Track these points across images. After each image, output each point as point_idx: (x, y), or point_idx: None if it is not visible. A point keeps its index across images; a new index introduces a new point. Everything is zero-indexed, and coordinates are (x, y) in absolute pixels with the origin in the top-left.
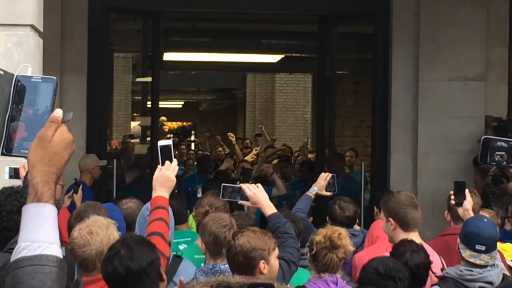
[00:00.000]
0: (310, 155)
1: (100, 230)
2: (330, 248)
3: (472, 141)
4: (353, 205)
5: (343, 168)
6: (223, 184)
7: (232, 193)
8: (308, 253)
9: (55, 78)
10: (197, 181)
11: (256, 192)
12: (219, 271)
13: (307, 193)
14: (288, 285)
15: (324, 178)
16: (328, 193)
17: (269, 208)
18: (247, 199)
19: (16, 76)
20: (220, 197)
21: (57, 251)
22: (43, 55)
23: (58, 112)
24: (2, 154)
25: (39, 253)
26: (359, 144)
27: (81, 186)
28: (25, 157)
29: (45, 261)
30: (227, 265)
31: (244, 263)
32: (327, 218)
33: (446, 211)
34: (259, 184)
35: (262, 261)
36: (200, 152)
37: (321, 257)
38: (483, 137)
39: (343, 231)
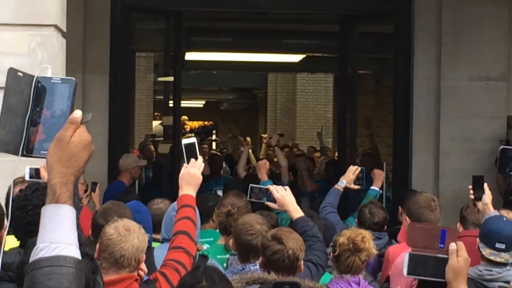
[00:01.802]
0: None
1: (136, 228)
2: (353, 250)
3: (494, 141)
4: (383, 211)
5: (374, 166)
6: (250, 184)
7: (259, 194)
8: (331, 254)
9: (74, 79)
10: (212, 183)
11: (284, 195)
12: (249, 272)
13: (336, 186)
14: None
15: (353, 171)
16: (356, 187)
17: (296, 212)
18: (274, 200)
19: (36, 77)
20: (248, 197)
21: (75, 252)
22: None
23: (77, 113)
24: (23, 155)
25: (57, 254)
26: (380, 144)
27: (98, 185)
28: (45, 158)
29: (62, 262)
30: (257, 266)
31: (292, 265)
32: (356, 220)
33: (458, 223)
34: (287, 187)
35: (302, 261)
36: (224, 151)
37: (344, 259)
38: (500, 147)
39: (367, 234)
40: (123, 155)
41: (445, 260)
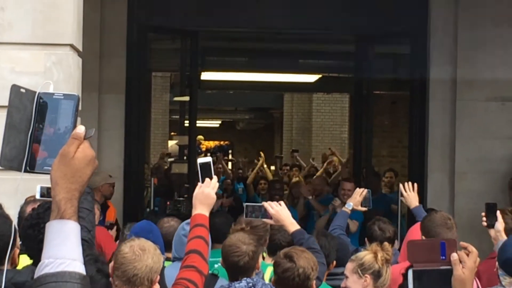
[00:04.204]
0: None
1: (152, 248)
2: (388, 260)
3: (509, 162)
4: (391, 226)
5: (379, 186)
6: (245, 203)
7: (254, 212)
8: (366, 275)
9: (77, 94)
10: None
11: (278, 210)
12: None
13: (343, 208)
14: None
15: (360, 193)
16: (364, 209)
17: (292, 225)
18: (270, 217)
19: (38, 93)
20: (244, 216)
21: (79, 268)
22: (81, 74)
23: (81, 129)
24: (26, 171)
25: (62, 270)
26: (396, 164)
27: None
28: (48, 174)
29: (67, 278)
30: (242, 283)
31: (302, 284)
32: (366, 239)
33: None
34: (281, 202)
35: (314, 281)
36: (240, 171)
37: (385, 271)
38: None
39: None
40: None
41: (449, 271)
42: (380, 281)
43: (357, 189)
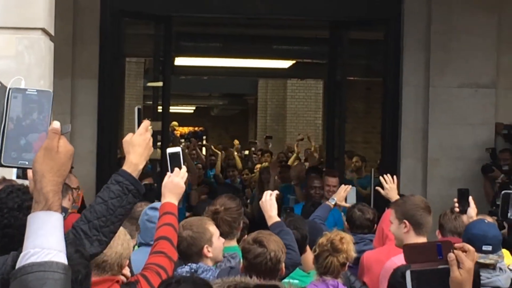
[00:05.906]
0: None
1: (121, 235)
2: (331, 251)
3: (482, 148)
4: (371, 209)
5: (342, 172)
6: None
7: None
8: (313, 255)
9: (50, 91)
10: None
11: (263, 201)
12: (231, 276)
13: (327, 202)
14: (291, 283)
15: (344, 189)
16: (347, 204)
17: (270, 219)
18: None
19: (9, 88)
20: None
21: (64, 259)
22: (54, 59)
23: (56, 124)
24: (0, 165)
25: (49, 260)
26: (370, 150)
27: None
28: (27, 168)
29: (55, 268)
30: (185, 268)
31: (274, 268)
32: (346, 223)
33: (437, 230)
34: (274, 193)
35: (283, 264)
36: (213, 157)
37: (322, 260)
38: (503, 192)
39: (347, 236)
40: None
41: (447, 270)
42: (317, 267)
43: (342, 185)
